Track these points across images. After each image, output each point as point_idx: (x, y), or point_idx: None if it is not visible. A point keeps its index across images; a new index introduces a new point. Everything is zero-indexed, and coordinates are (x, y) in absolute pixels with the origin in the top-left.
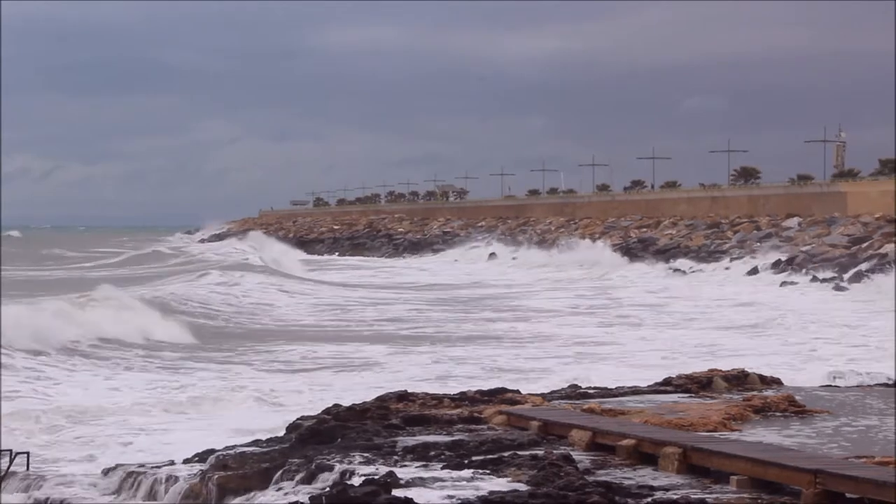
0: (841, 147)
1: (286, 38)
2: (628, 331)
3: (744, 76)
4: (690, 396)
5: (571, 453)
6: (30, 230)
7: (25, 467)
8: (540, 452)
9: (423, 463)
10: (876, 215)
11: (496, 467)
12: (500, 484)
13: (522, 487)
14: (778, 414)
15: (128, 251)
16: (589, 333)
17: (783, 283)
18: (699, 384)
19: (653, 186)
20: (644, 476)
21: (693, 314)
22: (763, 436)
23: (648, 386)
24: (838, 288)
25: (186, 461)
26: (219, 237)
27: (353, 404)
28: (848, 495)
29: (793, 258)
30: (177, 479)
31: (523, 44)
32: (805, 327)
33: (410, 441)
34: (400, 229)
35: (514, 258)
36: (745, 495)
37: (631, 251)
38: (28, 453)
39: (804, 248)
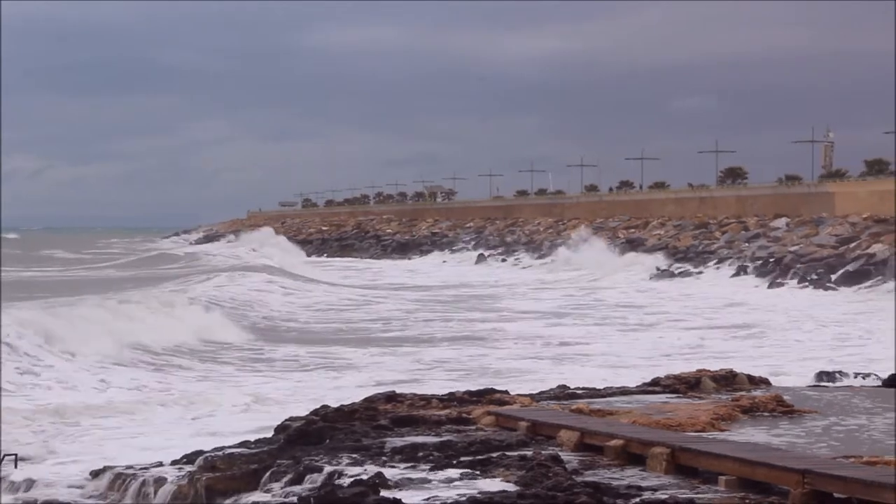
0: (829, 147)
1: (286, 38)
2: (616, 331)
3: (743, 76)
4: (679, 397)
5: (560, 454)
6: (21, 231)
7: (13, 468)
8: (528, 453)
9: (412, 464)
10: (864, 215)
11: (485, 468)
12: (488, 484)
13: (511, 488)
14: (766, 414)
15: (138, 253)
16: (576, 334)
17: (771, 284)
18: (687, 384)
19: (641, 187)
20: (632, 476)
21: (681, 314)
22: (751, 436)
23: (637, 386)
24: (826, 288)
25: (174, 463)
26: (207, 239)
27: (342, 405)
28: (836, 495)
29: (781, 258)
30: (165, 480)
31: (523, 44)
32: (793, 327)
33: (399, 442)
34: (388, 230)
35: (502, 259)
36: (733, 495)
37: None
38: (16, 455)
39: (792, 249)
